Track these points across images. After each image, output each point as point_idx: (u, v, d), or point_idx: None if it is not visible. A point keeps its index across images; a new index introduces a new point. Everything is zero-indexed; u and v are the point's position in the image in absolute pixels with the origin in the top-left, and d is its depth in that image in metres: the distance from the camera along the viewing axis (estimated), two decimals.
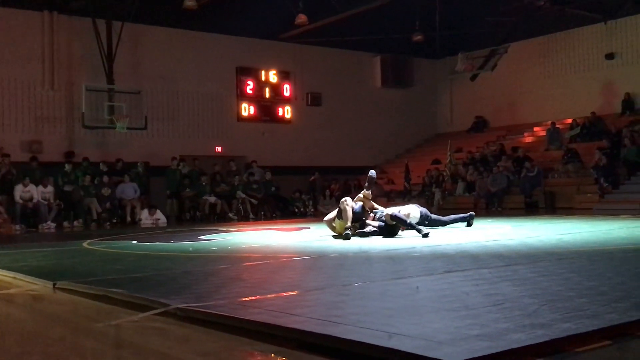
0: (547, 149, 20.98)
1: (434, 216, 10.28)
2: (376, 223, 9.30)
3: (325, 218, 9.96)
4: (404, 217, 9.12)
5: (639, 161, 17.36)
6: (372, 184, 9.92)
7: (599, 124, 20.23)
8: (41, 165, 17.43)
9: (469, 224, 10.43)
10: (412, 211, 9.61)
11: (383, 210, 9.52)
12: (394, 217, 9.03)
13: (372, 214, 9.58)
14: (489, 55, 24.17)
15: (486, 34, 23.06)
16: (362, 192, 9.74)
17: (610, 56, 21.50)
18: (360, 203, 9.47)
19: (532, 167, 18.60)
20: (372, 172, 10.10)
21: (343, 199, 9.48)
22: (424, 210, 10.00)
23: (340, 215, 9.27)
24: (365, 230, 9.25)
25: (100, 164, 18.28)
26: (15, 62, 18.32)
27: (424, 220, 9.78)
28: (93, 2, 18.65)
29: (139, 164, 18.73)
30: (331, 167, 22.71)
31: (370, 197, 9.67)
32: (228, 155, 21.18)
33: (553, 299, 3.76)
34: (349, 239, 8.74)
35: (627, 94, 20.89)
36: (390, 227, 9.12)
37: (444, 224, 10.27)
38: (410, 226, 9.01)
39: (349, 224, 9.03)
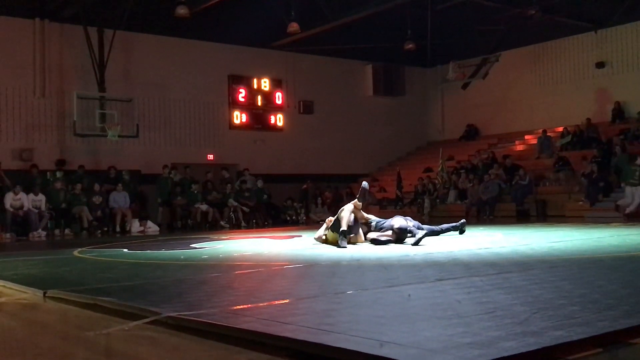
0: (538, 157, 21.07)
1: (426, 227, 10.26)
2: (384, 236, 9.25)
3: (315, 236, 9.91)
4: (412, 228, 9.19)
5: None
6: (364, 195, 9.88)
7: (591, 132, 20.32)
8: (40, 173, 17.41)
9: (461, 232, 10.43)
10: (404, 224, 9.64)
11: (379, 220, 9.56)
12: (402, 230, 9.08)
13: (366, 224, 9.57)
14: (480, 63, 24.29)
15: (477, 42, 23.19)
16: (352, 201, 9.71)
17: (600, 65, 21.65)
18: (352, 213, 9.43)
19: (524, 176, 18.65)
20: (365, 184, 10.08)
21: (342, 209, 9.45)
22: (417, 223, 9.99)
23: (335, 226, 9.23)
24: (380, 239, 9.20)
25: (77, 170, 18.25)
26: (6, 70, 18.26)
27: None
28: (85, 10, 18.62)
29: (123, 172, 18.59)
30: (323, 175, 22.73)
31: (360, 208, 9.64)
32: (220, 163, 21.16)
33: (544, 307, 3.76)
34: (345, 247, 8.73)
35: (617, 103, 21.03)
36: (399, 236, 9.19)
37: (436, 233, 10.26)
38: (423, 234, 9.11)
39: (344, 227, 8.99)
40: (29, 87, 18.68)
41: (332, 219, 9.63)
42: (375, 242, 9.12)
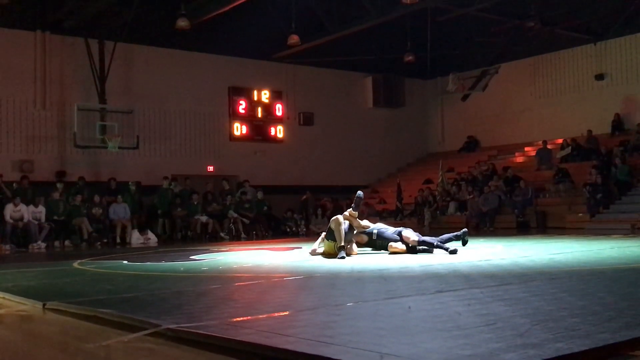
0: (538, 169, 21.07)
1: (427, 238, 10.28)
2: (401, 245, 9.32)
3: (310, 250, 9.88)
4: (431, 240, 9.24)
5: (629, 181, 17.48)
6: (359, 204, 9.87)
7: (591, 144, 20.34)
8: (32, 184, 17.38)
9: (464, 243, 10.41)
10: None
11: (380, 228, 9.59)
12: (421, 242, 9.17)
13: (365, 232, 9.60)
14: (480, 75, 24.36)
15: (477, 54, 23.27)
16: (347, 210, 9.71)
17: (600, 77, 21.69)
18: (347, 222, 9.41)
19: (526, 188, 18.63)
20: (360, 193, 10.10)
21: (334, 218, 9.43)
22: (417, 234, 10.03)
23: (330, 235, 9.23)
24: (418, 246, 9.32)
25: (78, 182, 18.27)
26: (7, 82, 18.31)
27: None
28: (85, 22, 18.70)
29: (130, 183, 18.66)
30: (323, 187, 22.73)
31: (356, 216, 9.62)
32: (220, 174, 21.17)
33: (545, 319, 3.76)
34: (343, 258, 8.73)
35: (617, 115, 21.06)
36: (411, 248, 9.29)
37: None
38: (438, 247, 9.17)
39: (342, 243, 9.00)
40: (30, 99, 18.72)
41: (319, 238, 9.67)
42: (414, 250, 9.22)
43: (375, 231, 9.61)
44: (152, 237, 17.34)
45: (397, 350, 3.09)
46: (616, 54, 21.56)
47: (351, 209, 9.61)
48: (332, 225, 9.18)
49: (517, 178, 19.54)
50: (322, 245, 9.59)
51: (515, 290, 5.10)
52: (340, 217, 9.32)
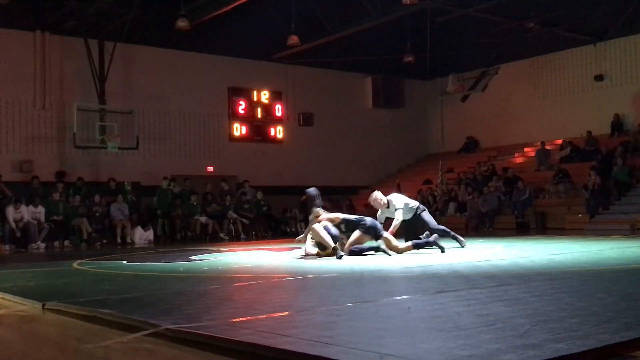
0: (537, 170, 21.07)
1: (427, 217, 10.44)
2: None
3: (305, 252, 9.84)
4: (360, 247, 9.36)
5: (629, 181, 17.47)
6: (314, 200, 10.01)
7: (590, 145, 20.34)
8: (40, 184, 17.40)
9: (462, 245, 10.47)
10: (397, 200, 9.90)
11: (348, 218, 9.78)
12: (352, 252, 9.30)
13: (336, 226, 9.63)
14: (479, 76, 24.33)
15: (477, 55, 23.24)
16: (313, 215, 9.76)
17: (599, 78, 21.69)
18: (326, 223, 9.47)
19: (524, 188, 18.63)
20: (310, 190, 10.25)
21: (312, 231, 9.42)
22: (419, 204, 10.28)
23: (320, 246, 9.30)
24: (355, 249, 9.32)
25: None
26: (7, 82, 18.29)
27: (417, 211, 10.20)
28: (85, 23, 18.68)
29: (126, 183, 18.64)
30: (323, 187, 22.62)
31: (320, 214, 9.69)
32: (219, 175, 21.17)
33: (544, 320, 3.76)
34: (341, 257, 8.76)
35: (616, 115, 21.06)
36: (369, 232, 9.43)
37: (432, 230, 10.28)
38: (373, 249, 9.29)
39: (332, 245, 9.03)
40: (30, 99, 18.70)
41: (308, 236, 9.65)
42: (352, 252, 9.25)
43: (343, 225, 9.67)
44: (150, 236, 17.36)
45: (397, 351, 3.09)
46: (615, 55, 21.56)
47: (316, 210, 9.73)
48: (315, 238, 9.27)
49: (517, 178, 19.55)
50: (314, 245, 9.58)
51: (515, 291, 5.10)
52: (315, 226, 9.36)
